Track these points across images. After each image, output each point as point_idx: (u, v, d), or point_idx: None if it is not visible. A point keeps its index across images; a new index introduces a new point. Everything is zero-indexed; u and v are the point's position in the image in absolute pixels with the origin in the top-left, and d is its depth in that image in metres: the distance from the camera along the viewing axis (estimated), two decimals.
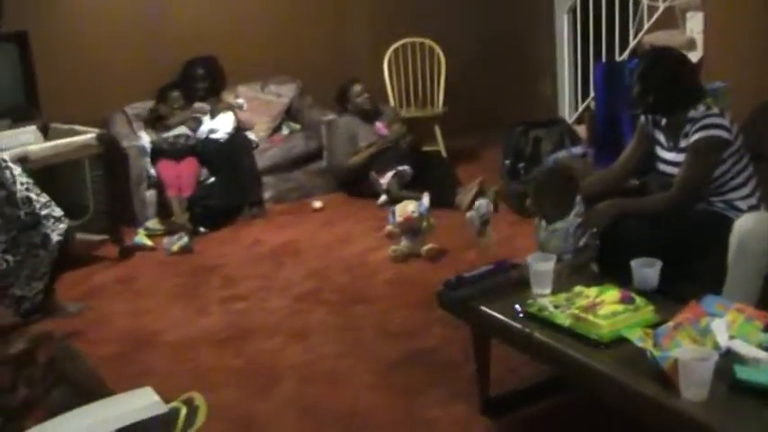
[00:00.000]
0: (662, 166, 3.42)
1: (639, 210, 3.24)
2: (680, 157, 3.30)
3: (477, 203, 4.21)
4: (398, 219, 4.81)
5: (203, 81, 6.20)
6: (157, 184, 5.74)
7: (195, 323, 4.13)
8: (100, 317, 4.27)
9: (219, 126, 6.03)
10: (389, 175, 5.84)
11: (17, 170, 3.93)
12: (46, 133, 5.10)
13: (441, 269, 4.40)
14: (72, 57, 5.94)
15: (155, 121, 5.94)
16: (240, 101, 6.27)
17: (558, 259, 3.03)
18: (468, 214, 4.27)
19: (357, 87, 6.26)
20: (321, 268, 4.75)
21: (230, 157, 5.86)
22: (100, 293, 4.61)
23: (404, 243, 4.80)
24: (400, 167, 5.87)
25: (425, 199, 4.86)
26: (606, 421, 2.88)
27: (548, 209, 3.27)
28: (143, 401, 2.33)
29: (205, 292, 4.54)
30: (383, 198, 5.78)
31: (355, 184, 6.08)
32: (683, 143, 3.30)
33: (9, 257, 3.80)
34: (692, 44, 5.02)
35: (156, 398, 2.32)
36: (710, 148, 3.20)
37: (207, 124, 6.02)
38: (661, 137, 3.42)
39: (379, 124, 6.04)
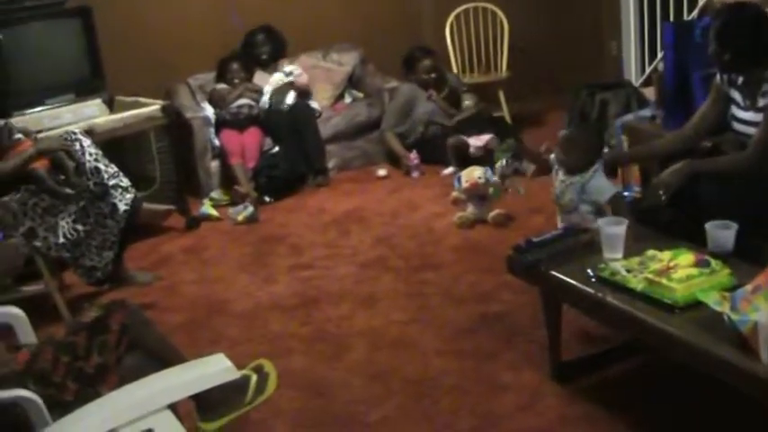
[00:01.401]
0: (738, 126, 3.34)
1: (714, 170, 3.18)
2: (757, 117, 3.21)
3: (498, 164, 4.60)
4: (464, 185, 4.77)
5: (264, 46, 6.21)
6: (221, 155, 5.78)
7: (263, 291, 4.16)
8: (169, 286, 4.33)
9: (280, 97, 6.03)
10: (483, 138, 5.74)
11: (87, 141, 3.97)
12: (111, 106, 5.15)
13: (508, 234, 4.37)
14: (135, 30, 5.99)
15: (214, 103, 5.96)
16: (290, 68, 6.21)
17: (570, 211, 3.21)
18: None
19: (426, 62, 6.20)
20: (387, 235, 4.75)
21: (294, 127, 5.86)
22: (169, 263, 4.67)
23: (470, 209, 4.77)
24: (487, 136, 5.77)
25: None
26: (679, 385, 2.85)
27: (572, 160, 3.31)
28: (217, 367, 2.34)
29: (272, 260, 4.57)
30: (450, 169, 5.73)
31: (433, 143, 5.99)
32: (761, 102, 3.21)
33: (79, 227, 3.85)
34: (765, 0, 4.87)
35: (230, 364, 2.33)
36: None
37: (268, 95, 6.02)
38: (737, 96, 3.33)
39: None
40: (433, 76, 6.21)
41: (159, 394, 2.18)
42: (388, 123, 6.14)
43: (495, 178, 4.77)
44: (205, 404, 2.64)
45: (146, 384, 2.24)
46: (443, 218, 4.89)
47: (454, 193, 4.99)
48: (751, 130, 3.22)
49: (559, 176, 3.37)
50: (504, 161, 4.86)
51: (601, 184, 3.29)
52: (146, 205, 4.34)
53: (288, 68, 6.16)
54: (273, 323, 3.80)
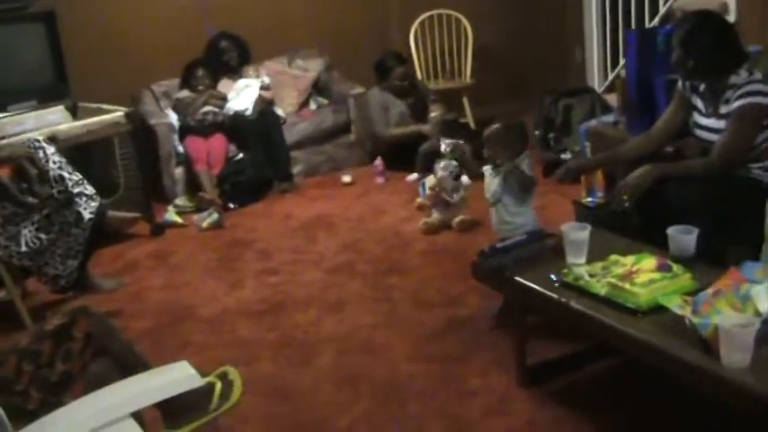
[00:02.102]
0: (700, 133, 3.38)
1: (678, 174, 3.21)
2: (719, 124, 3.25)
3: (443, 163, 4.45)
4: (429, 191, 4.78)
5: (232, 52, 6.19)
6: (186, 162, 5.75)
7: (230, 297, 4.15)
8: (136, 292, 4.30)
9: (245, 103, 6.01)
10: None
11: (50, 149, 3.93)
12: (74, 112, 5.10)
13: (474, 240, 4.39)
14: (99, 36, 5.95)
15: (179, 111, 5.93)
16: (266, 80, 6.21)
17: (494, 203, 3.47)
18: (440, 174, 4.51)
19: (401, 70, 6.19)
20: (354, 241, 4.75)
21: (260, 133, 5.84)
22: (135, 269, 4.64)
23: (435, 215, 4.79)
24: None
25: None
26: (646, 388, 2.87)
27: (495, 154, 3.47)
28: (180, 375, 2.32)
29: (239, 266, 4.55)
30: (414, 176, 5.73)
31: (394, 153, 6.00)
32: (723, 109, 3.25)
33: (42, 236, 3.82)
34: (724, 8, 4.93)
35: (193, 371, 2.31)
36: (753, 115, 3.15)
37: (233, 101, 6.00)
38: (699, 102, 3.37)
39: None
40: (405, 83, 6.22)
41: (123, 402, 2.16)
42: (381, 126, 6.09)
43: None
44: (170, 412, 2.62)
45: (109, 393, 2.22)
46: (410, 223, 4.89)
47: (419, 199, 5.00)
48: (713, 137, 3.26)
49: (487, 171, 3.52)
50: (448, 163, 4.84)
51: (524, 168, 3.42)
52: (111, 212, 4.29)
53: (266, 80, 6.16)
54: (241, 329, 3.78)
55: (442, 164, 4.81)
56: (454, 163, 4.74)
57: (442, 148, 4.75)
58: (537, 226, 3.38)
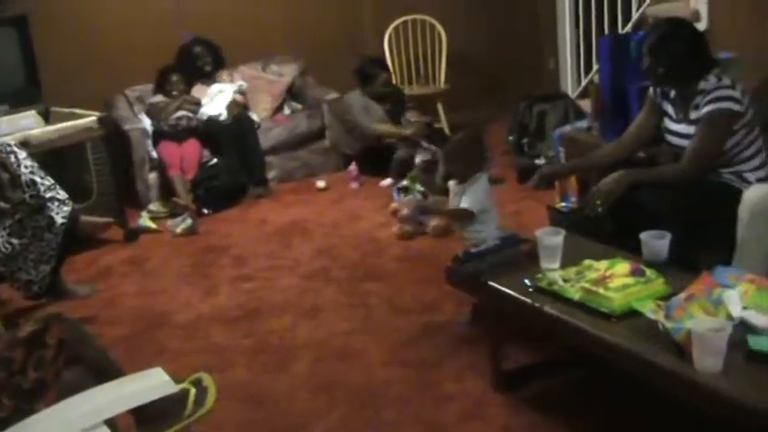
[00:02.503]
0: (671, 138, 3.41)
1: (650, 180, 3.23)
2: (689, 129, 3.28)
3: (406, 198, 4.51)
4: (401, 211, 4.79)
5: (206, 57, 6.17)
6: (160, 167, 5.72)
7: (205, 303, 4.13)
8: (109, 298, 4.27)
9: (219, 108, 5.99)
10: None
11: (22, 154, 3.91)
12: (47, 117, 5.06)
13: (449, 245, 4.38)
14: (72, 40, 5.93)
15: (153, 116, 5.90)
16: (243, 84, 6.21)
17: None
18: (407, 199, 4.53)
19: (385, 76, 6.20)
20: (329, 246, 4.75)
21: (235, 138, 5.83)
22: (108, 275, 4.61)
23: (403, 213, 4.79)
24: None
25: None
26: (622, 392, 2.88)
27: (455, 169, 3.53)
28: (153, 381, 2.32)
29: (214, 272, 4.53)
30: (388, 180, 5.74)
31: (376, 155, 5.99)
32: (693, 115, 3.28)
33: (15, 241, 3.79)
34: (696, 15, 4.98)
35: (167, 378, 2.31)
36: (722, 120, 3.18)
37: (207, 106, 5.98)
38: (670, 109, 3.40)
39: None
40: (390, 89, 6.23)
41: (96, 409, 2.15)
42: (366, 122, 6.08)
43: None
44: (144, 418, 2.61)
45: (83, 400, 2.21)
46: (385, 228, 4.90)
47: (394, 204, 5.00)
48: (684, 143, 3.29)
49: (452, 185, 3.57)
50: (411, 199, 4.87)
51: (473, 192, 3.47)
52: (84, 218, 4.27)
53: (243, 84, 6.15)
54: (215, 335, 3.77)
55: (406, 199, 4.83)
56: (417, 196, 4.76)
57: (417, 160, 4.77)
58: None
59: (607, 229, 3.31)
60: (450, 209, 3.62)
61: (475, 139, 3.64)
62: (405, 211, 4.77)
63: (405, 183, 5.19)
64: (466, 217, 3.49)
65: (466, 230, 3.54)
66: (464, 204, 3.49)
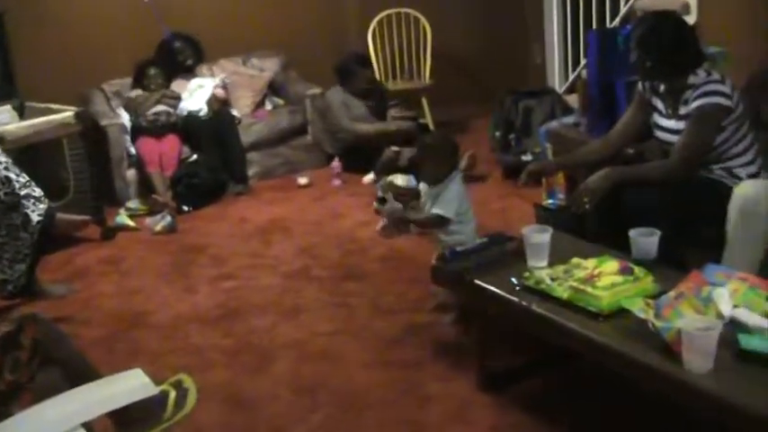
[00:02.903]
0: (660, 134, 3.41)
1: (638, 177, 3.23)
2: (679, 125, 3.28)
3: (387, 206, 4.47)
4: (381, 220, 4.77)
5: (187, 52, 6.15)
6: (138, 163, 5.70)
7: (184, 303, 4.11)
8: (86, 298, 4.25)
9: (199, 103, 5.97)
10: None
11: None
12: (22, 112, 5.03)
13: (434, 243, 4.38)
14: (48, 34, 5.89)
15: (130, 111, 5.87)
16: (225, 78, 6.18)
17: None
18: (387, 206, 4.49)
19: (367, 73, 6.19)
20: (311, 245, 4.74)
21: (215, 134, 5.81)
22: (85, 275, 4.59)
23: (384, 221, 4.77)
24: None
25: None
26: (609, 391, 2.89)
27: (428, 171, 3.56)
28: (133, 383, 2.31)
29: (193, 271, 4.52)
30: (370, 176, 5.73)
31: (359, 151, 5.98)
32: (682, 110, 3.28)
33: None
34: (685, 8, 4.99)
35: (147, 379, 2.30)
36: (711, 116, 3.18)
37: (186, 101, 5.96)
38: (659, 104, 3.41)
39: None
40: (372, 87, 6.22)
41: (73, 412, 2.13)
42: (345, 121, 6.05)
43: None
44: (122, 421, 2.60)
45: (59, 402, 2.19)
46: (368, 227, 4.87)
47: (376, 203, 4.98)
48: (673, 138, 3.29)
49: (423, 188, 3.60)
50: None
51: (447, 197, 3.47)
52: (60, 215, 4.24)
53: (226, 78, 6.12)
54: (195, 336, 3.76)
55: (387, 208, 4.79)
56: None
57: (400, 181, 4.72)
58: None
59: (594, 227, 3.31)
60: (424, 218, 3.60)
61: (444, 140, 3.65)
62: (382, 224, 4.73)
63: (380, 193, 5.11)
64: (443, 224, 3.49)
65: (443, 234, 3.53)
66: (438, 210, 3.48)
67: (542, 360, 3.18)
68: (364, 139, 5.97)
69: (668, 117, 3.36)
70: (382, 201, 4.74)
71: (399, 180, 4.76)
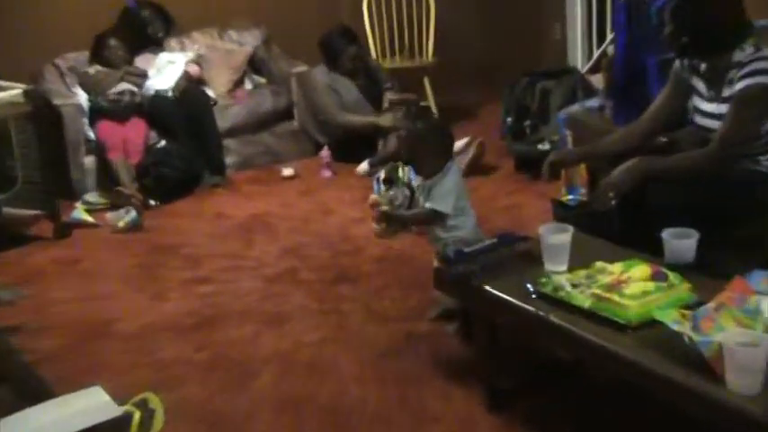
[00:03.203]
0: (700, 120, 3.39)
1: (670, 169, 3.22)
2: (722, 108, 3.25)
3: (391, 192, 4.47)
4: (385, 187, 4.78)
5: (156, 22, 6.14)
6: (98, 149, 5.67)
7: (153, 310, 4.11)
8: (38, 305, 4.23)
9: (169, 82, 5.95)
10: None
11: None
12: None
13: (432, 243, 4.39)
14: None
15: (89, 89, 5.85)
16: (200, 51, 6.17)
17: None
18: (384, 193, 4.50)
19: (352, 50, 6.19)
20: (297, 245, 4.74)
21: (187, 117, 5.79)
22: (37, 278, 4.58)
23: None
24: None
25: None
26: (630, 410, 2.89)
27: (419, 162, 3.55)
28: (92, 403, 2.30)
29: (164, 274, 4.52)
30: (364, 166, 5.73)
31: (352, 139, 5.99)
32: (726, 92, 3.25)
33: None
34: None
35: (108, 398, 2.29)
36: (758, 98, 3.14)
37: (154, 79, 5.94)
38: (700, 85, 3.38)
39: None
40: (360, 64, 6.21)
41: None
42: (332, 109, 6.05)
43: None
44: None
45: (7, 426, 2.18)
46: (362, 224, 4.89)
47: (373, 196, 4.99)
48: (715, 124, 3.25)
49: (414, 180, 3.60)
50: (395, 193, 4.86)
51: (443, 190, 3.45)
52: (6, 210, 4.23)
53: (200, 51, 6.11)
54: (165, 347, 3.74)
55: (389, 194, 4.81)
56: (406, 192, 4.74)
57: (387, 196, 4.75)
58: (479, 237, 3.39)
59: (620, 227, 3.30)
60: (417, 214, 3.62)
61: (435, 127, 3.64)
62: (376, 227, 4.74)
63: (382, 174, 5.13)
64: (438, 219, 3.48)
65: (441, 231, 3.52)
66: (431, 204, 3.47)
67: (555, 374, 3.17)
68: (351, 131, 5.96)
69: (710, 100, 3.34)
70: (387, 183, 4.74)
71: (399, 172, 4.77)
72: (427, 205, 3.49)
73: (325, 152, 5.89)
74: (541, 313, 2.69)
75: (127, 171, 5.55)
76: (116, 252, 4.85)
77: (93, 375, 3.43)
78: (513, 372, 3.19)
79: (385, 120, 5.95)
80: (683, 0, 3.27)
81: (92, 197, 5.57)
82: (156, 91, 5.91)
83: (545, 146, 5.31)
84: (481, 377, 3.11)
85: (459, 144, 5.36)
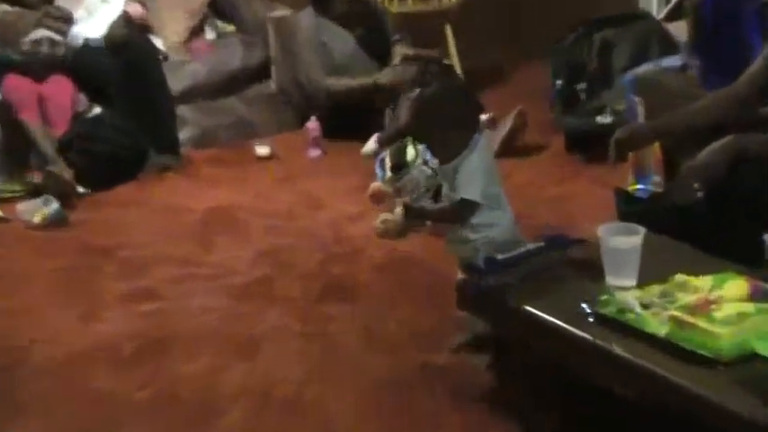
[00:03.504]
0: None
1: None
2: None
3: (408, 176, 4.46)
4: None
5: None
6: (4, 114, 5.65)
7: (83, 333, 4.11)
8: None
9: (103, 28, 5.96)
10: None
11: None
12: None
13: (448, 246, 4.40)
14: None
15: None
16: None
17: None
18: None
19: None
20: (275, 247, 4.77)
21: (129, 77, 5.80)
22: None
23: (399, 209, 4.79)
24: None
25: None
26: None
27: (434, 140, 3.56)
28: None
29: (96, 284, 4.54)
30: (371, 145, 5.73)
31: (348, 108, 6.01)
32: None
33: None
34: None
35: None
36: None
37: (82, 24, 5.94)
38: None
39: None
40: (355, 8, 6.23)
41: None
42: (316, 70, 6.06)
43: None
44: None
45: None
46: (360, 221, 4.91)
47: (376, 184, 5.00)
48: None
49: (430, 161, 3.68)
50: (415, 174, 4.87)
51: (467, 172, 3.42)
52: None
53: None
54: (98, 381, 3.75)
55: (406, 179, 4.82)
56: (427, 171, 4.74)
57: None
58: (516, 239, 3.40)
59: (708, 227, 3.30)
60: (444, 209, 3.64)
61: (457, 90, 3.64)
62: (387, 217, 4.75)
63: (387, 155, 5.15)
64: (466, 214, 3.47)
65: (470, 232, 3.51)
66: (463, 193, 3.43)
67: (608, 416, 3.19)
68: (340, 98, 5.97)
69: None
70: (396, 170, 4.75)
71: (410, 151, 4.78)
72: (459, 195, 3.47)
73: (312, 125, 5.90)
74: (601, 342, 2.70)
75: (48, 140, 5.53)
76: (33, 255, 4.88)
77: (6, 416, 3.45)
78: (558, 414, 3.21)
79: (385, 75, 5.95)
80: None
81: None
82: (86, 40, 5.92)
83: (606, 118, 5.31)
84: (517, 421, 3.13)
85: (484, 118, 5.37)
